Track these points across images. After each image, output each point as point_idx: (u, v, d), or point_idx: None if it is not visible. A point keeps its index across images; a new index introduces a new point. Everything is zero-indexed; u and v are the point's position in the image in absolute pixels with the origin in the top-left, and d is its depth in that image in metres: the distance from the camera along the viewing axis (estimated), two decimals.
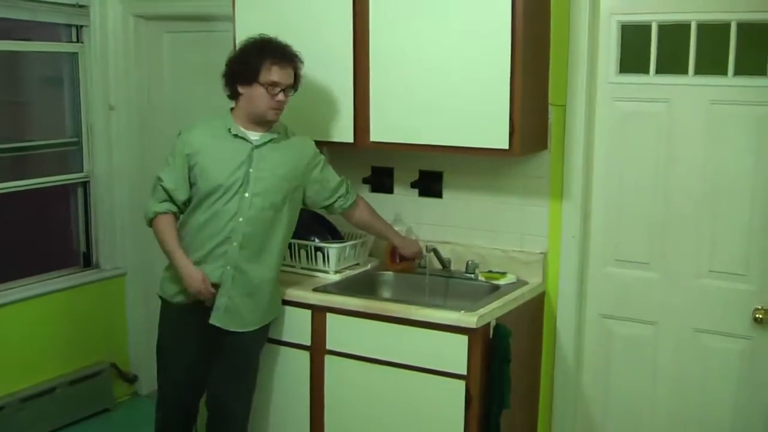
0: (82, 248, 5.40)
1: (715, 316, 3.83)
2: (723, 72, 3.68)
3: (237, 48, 3.80)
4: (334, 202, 3.92)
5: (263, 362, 4.02)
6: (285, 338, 4.00)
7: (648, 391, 4.03)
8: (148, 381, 5.68)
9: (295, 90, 3.75)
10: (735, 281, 3.77)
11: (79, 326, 5.22)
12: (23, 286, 5.02)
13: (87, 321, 5.27)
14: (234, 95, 3.73)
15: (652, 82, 3.85)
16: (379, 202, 4.27)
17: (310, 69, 3.99)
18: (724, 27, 3.65)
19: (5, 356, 4.86)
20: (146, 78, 5.42)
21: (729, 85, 3.68)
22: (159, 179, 3.77)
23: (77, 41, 5.24)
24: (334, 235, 4.31)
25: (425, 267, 4.16)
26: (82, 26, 5.22)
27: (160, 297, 3.97)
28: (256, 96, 3.65)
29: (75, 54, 5.25)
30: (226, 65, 3.73)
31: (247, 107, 3.69)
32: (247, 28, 4.21)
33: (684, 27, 3.73)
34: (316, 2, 4.05)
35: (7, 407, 4.81)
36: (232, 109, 3.78)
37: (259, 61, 3.63)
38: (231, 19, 4.33)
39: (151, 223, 3.79)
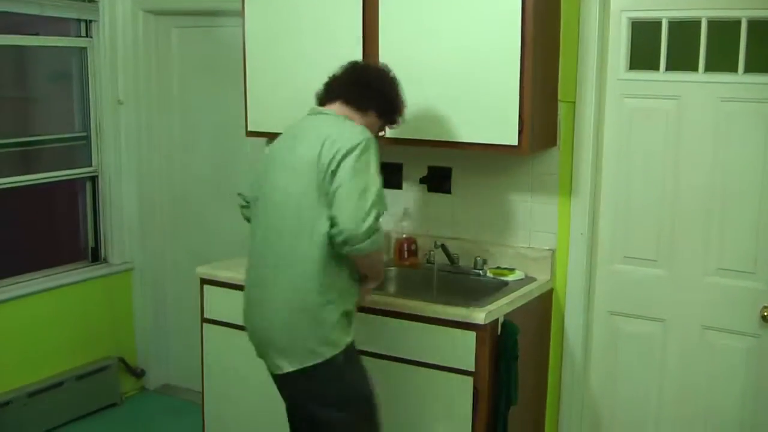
0: (90, 243, 5.42)
1: (723, 314, 3.82)
2: (733, 69, 3.67)
3: (393, 78, 3.50)
4: None
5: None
6: None
7: (655, 389, 4.02)
8: (156, 376, 5.72)
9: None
10: (743, 279, 3.77)
11: (86, 321, 5.24)
12: (31, 280, 5.04)
13: (95, 316, 5.29)
14: (363, 108, 3.40)
15: (661, 79, 3.84)
16: (388, 197, 4.23)
17: (318, 65, 4.00)
18: (735, 24, 3.64)
19: (13, 350, 4.88)
20: (155, 73, 5.44)
21: (739, 82, 3.67)
22: (382, 198, 3.22)
23: (86, 36, 5.25)
24: None
25: (433, 263, 4.17)
26: (91, 21, 5.23)
27: (346, 346, 3.31)
28: (373, 124, 3.43)
29: (84, 49, 5.26)
30: (382, 88, 3.45)
31: (361, 124, 3.38)
32: (256, 24, 4.23)
33: (694, 24, 3.72)
34: None
35: (14, 402, 4.83)
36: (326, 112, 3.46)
37: (401, 108, 3.50)
38: (239, 14, 4.32)
39: (377, 245, 3.20)
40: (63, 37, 5.26)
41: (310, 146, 3.19)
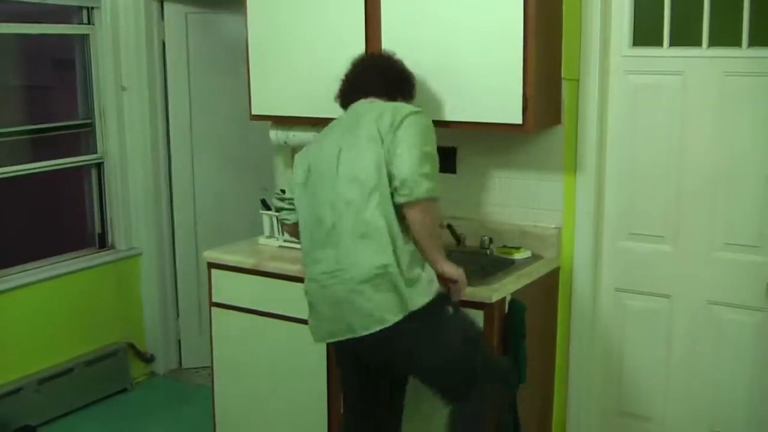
0: (98, 229, 5.43)
1: (730, 289, 3.83)
2: (737, 43, 3.66)
3: (400, 61, 3.63)
4: None
5: (284, 338, 4.08)
6: (302, 316, 4.00)
7: (663, 364, 4.03)
8: (166, 360, 5.74)
9: None
10: (749, 253, 3.77)
11: (95, 307, 5.26)
12: (39, 267, 5.06)
13: (103, 301, 5.31)
14: (393, 99, 3.51)
15: (665, 54, 3.83)
16: None
17: (322, 52, 4.02)
18: None
19: (22, 337, 4.90)
20: (158, 59, 5.44)
21: (743, 56, 3.66)
22: (437, 158, 3.34)
23: (88, 23, 5.25)
24: None
25: None
26: (93, 8, 5.22)
27: (437, 293, 3.33)
28: None
29: (86, 36, 5.26)
30: (402, 76, 3.60)
31: None
32: (259, 7, 4.22)
33: None
34: None
35: (24, 388, 4.85)
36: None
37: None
38: (242, 1, 4.32)
39: (431, 193, 3.26)
40: (66, 25, 5.26)
41: (367, 123, 3.30)
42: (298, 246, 4.23)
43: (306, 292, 3.43)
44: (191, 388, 5.51)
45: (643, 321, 4.05)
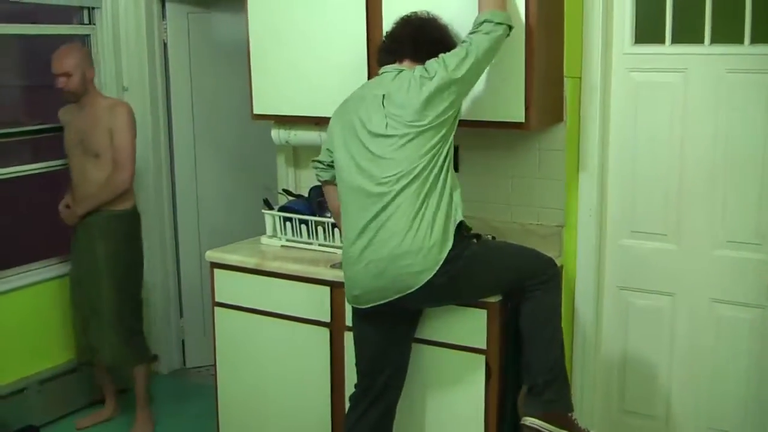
0: None
1: (732, 286, 3.83)
2: (739, 40, 3.66)
3: (444, 25, 3.61)
4: None
5: (287, 338, 4.08)
6: (305, 315, 4.02)
7: (665, 361, 4.04)
8: (168, 360, 5.74)
9: None
10: (751, 251, 3.77)
11: None
12: (42, 267, 5.08)
13: None
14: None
15: (667, 52, 3.83)
16: None
17: (323, 51, 4.02)
18: None
19: (25, 338, 4.91)
20: (159, 59, 5.44)
21: (745, 53, 3.66)
22: None
23: (89, 23, 5.25)
24: None
25: None
26: (93, 8, 5.22)
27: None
28: None
29: (87, 36, 5.25)
30: (442, 37, 3.57)
31: None
32: (259, 13, 4.22)
33: None
34: None
35: (27, 389, 4.87)
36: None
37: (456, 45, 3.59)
38: (242, 1, 4.32)
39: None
40: (66, 25, 5.26)
41: (401, 84, 3.41)
42: (300, 245, 4.25)
43: None
44: (194, 388, 5.52)
45: (646, 319, 4.05)
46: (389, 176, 3.35)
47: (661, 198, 3.93)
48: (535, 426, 3.48)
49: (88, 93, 4.66)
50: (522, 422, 3.52)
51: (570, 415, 3.55)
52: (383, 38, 3.66)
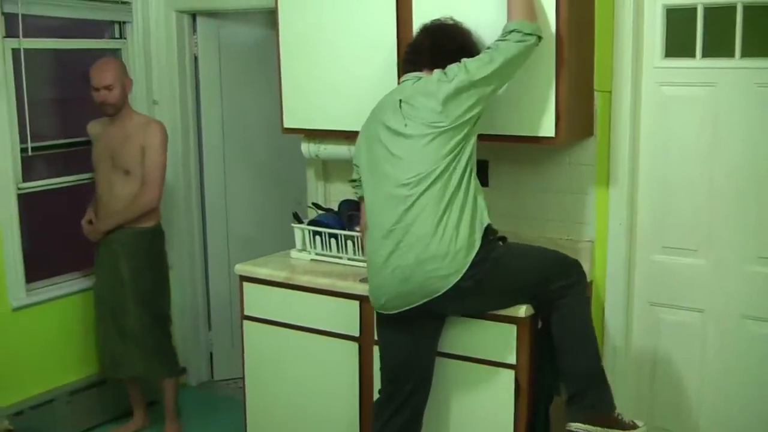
0: None
1: (763, 303, 3.79)
2: None
3: (468, 31, 3.64)
4: None
5: (315, 352, 4.06)
6: (334, 329, 4.02)
7: (696, 378, 4.00)
8: (197, 372, 5.76)
9: None
10: None
11: None
12: (71, 280, 5.12)
13: None
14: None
15: (698, 65, 3.81)
16: None
17: (353, 64, 4.05)
18: None
19: (54, 349, 4.96)
20: (189, 73, 5.47)
21: None
22: None
23: (120, 38, 5.29)
24: None
25: None
26: (124, 22, 5.27)
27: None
28: None
29: (118, 50, 5.30)
30: (464, 45, 3.58)
31: None
32: (290, 27, 4.24)
33: (730, 9, 3.69)
34: None
35: (56, 400, 4.90)
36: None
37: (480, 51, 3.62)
38: (273, 13, 4.34)
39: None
40: (98, 40, 5.30)
41: (419, 88, 3.45)
42: (329, 259, 4.26)
43: None
44: (222, 400, 5.53)
45: (676, 335, 4.02)
46: (410, 178, 3.38)
47: (691, 213, 3.90)
48: (581, 430, 3.48)
49: (123, 106, 4.70)
50: (567, 428, 3.52)
51: (614, 413, 3.55)
52: (406, 48, 3.68)
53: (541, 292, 3.55)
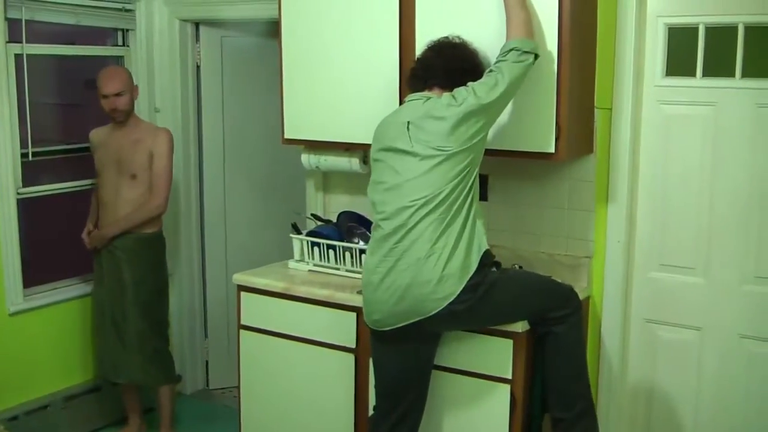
0: None
1: (761, 322, 3.79)
2: None
3: (474, 51, 3.65)
4: None
5: (312, 363, 4.06)
6: (330, 341, 4.02)
7: (692, 397, 4.00)
8: (192, 381, 5.75)
9: None
10: None
11: None
12: (70, 285, 5.11)
13: None
14: (458, 86, 3.51)
15: (698, 85, 3.82)
16: None
17: (355, 77, 4.06)
18: None
19: (49, 355, 4.94)
20: (192, 82, 5.48)
21: None
22: None
23: (123, 45, 5.30)
24: None
25: None
26: (128, 30, 5.28)
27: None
28: None
29: (121, 57, 5.31)
30: (473, 64, 3.60)
31: None
32: (292, 38, 4.24)
33: (731, 29, 3.70)
34: (361, 7, 4.05)
35: (51, 406, 4.89)
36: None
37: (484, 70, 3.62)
38: (276, 23, 4.35)
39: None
40: (101, 47, 5.31)
41: (427, 111, 3.45)
42: (327, 270, 4.26)
43: None
44: (218, 409, 5.52)
45: (673, 353, 4.02)
46: (415, 200, 3.38)
47: (689, 231, 3.91)
48: None
49: (131, 113, 4.73)
50: None
51: None
52: (414, 63, 3.68)
53: (537, 322, 3.57)
